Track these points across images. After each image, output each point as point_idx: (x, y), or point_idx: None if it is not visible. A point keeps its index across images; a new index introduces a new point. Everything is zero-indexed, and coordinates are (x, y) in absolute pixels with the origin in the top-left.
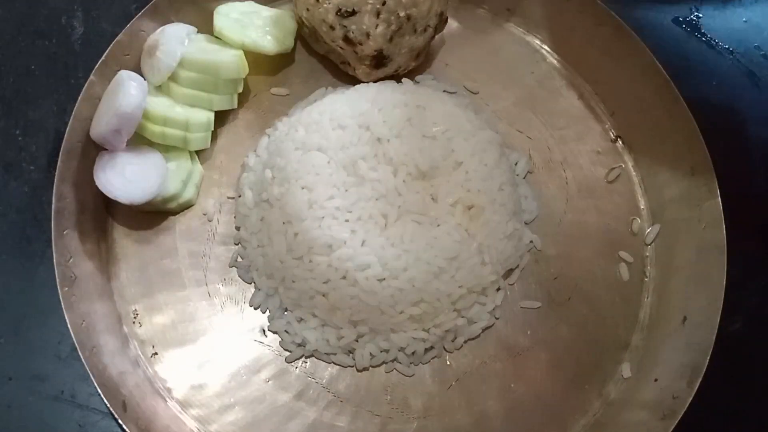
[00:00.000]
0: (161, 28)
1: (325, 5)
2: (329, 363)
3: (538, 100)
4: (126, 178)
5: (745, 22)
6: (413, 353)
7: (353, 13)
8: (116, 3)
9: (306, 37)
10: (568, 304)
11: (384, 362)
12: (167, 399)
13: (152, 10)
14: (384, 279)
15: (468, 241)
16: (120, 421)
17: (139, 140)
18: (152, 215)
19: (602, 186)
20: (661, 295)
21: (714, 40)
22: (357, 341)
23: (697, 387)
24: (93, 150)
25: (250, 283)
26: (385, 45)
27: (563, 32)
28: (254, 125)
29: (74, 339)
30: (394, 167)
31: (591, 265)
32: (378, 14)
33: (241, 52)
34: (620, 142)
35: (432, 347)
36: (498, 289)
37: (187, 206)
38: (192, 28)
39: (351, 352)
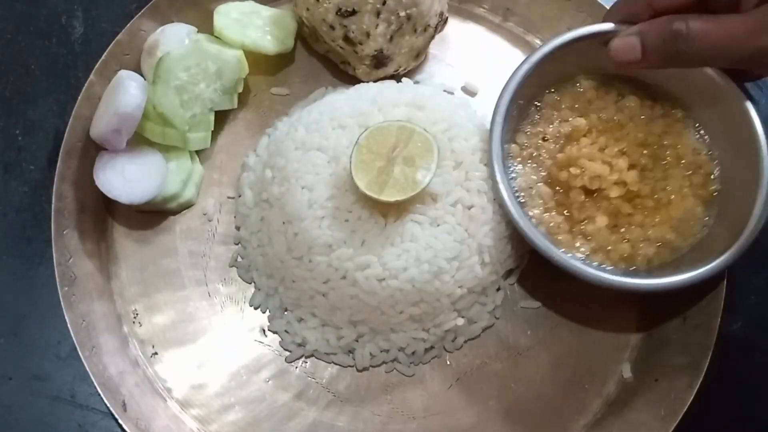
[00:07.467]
0: (161, 28)
1: (325, 5)
2: (329, 363)
3: None
4: (126, 178)
5: None
6: (413, 353)
7: (353, 12)
8: (116, 3)
9: (306, 37)
10: (568, 304)
11: (384, 362)
12: (167, 399)
13: (152, 10)
14: (384, 279)
15: (468, 241)
16: (120, 421)
17: (139, 140)
18: (152, 215)
19: None
20: (661, 294)
21: None
22: (357, 341)
23: (697, 387)
24: (93, 150)
25: (250, 283)
26: (385, 45)
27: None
28: (254, 125)
29: (74, 339)
30: None
31: None
32: (378, 14)
33: (241, 52)
34: None
35: (432, 347)
36: (498, 289)
37: (187, 206)
38: (192, 28)
39: (351, 352)
